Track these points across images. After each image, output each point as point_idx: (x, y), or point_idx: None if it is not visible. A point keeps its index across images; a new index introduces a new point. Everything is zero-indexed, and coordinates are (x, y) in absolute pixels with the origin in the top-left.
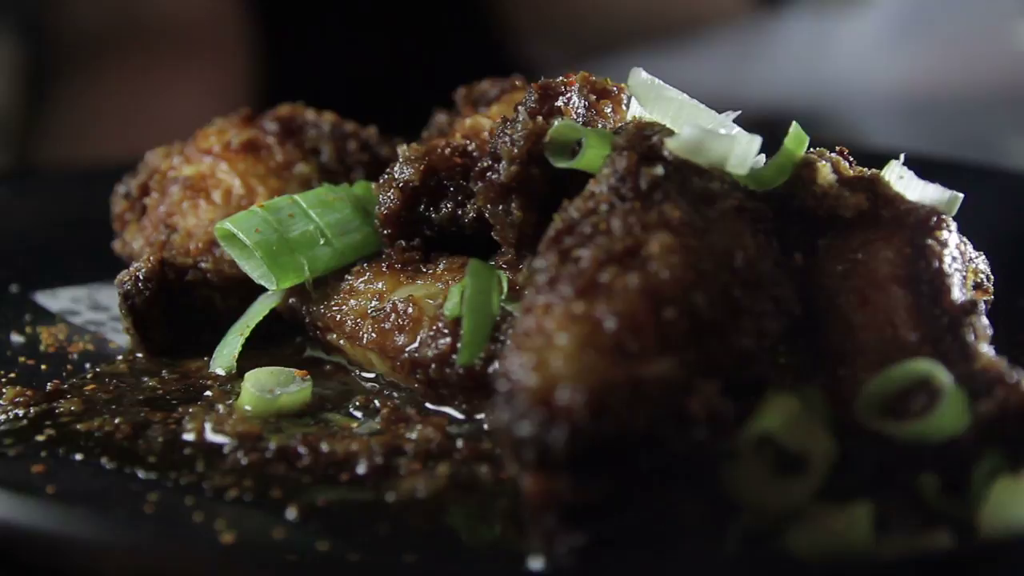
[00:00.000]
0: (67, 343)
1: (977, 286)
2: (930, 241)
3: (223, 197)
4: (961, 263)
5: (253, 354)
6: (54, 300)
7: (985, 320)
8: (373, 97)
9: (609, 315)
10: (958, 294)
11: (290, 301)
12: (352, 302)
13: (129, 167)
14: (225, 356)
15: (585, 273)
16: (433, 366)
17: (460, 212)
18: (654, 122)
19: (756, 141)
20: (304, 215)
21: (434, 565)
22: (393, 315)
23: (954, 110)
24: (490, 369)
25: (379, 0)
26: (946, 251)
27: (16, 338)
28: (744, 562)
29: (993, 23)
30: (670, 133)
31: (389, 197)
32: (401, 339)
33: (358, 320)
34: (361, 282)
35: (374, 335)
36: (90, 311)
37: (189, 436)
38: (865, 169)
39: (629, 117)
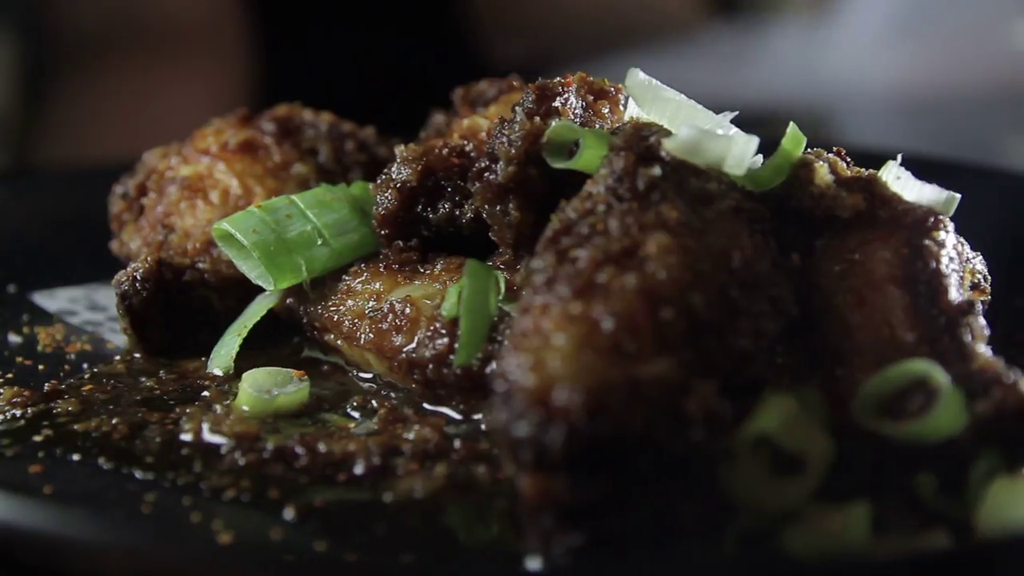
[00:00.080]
0: (65, 343)
1: (974, 286)
2: (927, 241)
3: (221, 197)
4: (958, 263)
5: (251, 354)
6: (52, 300)
7: (982, 320)
8: (371, 97)
9: (606, 315)
10: (955, 294)
11: (288, 301)
12: (350, 302)
13: (127, 167)
14: (223, 356)
15: (582, 273)
16: (431, 366)
17: (458, 212)
18: (651, 123)
19: (753, 141)
20: (302, 215)
21: (432, 565)
22: (391, 315)
23: (952, 110)
24: (488, 369)
25: (376, 1)
26: (943, 251)
27: (14, 338)
28: (741, 562)
29: (991, 23)
30: (667, 134)
31: (387, 197)
32: (399, 339)
33: (356, 320)
34: (359, 282)
35: (372, 335)
36: (88, 311)
37: (187, 436)
38: (862, 169)
39: (627, 118)
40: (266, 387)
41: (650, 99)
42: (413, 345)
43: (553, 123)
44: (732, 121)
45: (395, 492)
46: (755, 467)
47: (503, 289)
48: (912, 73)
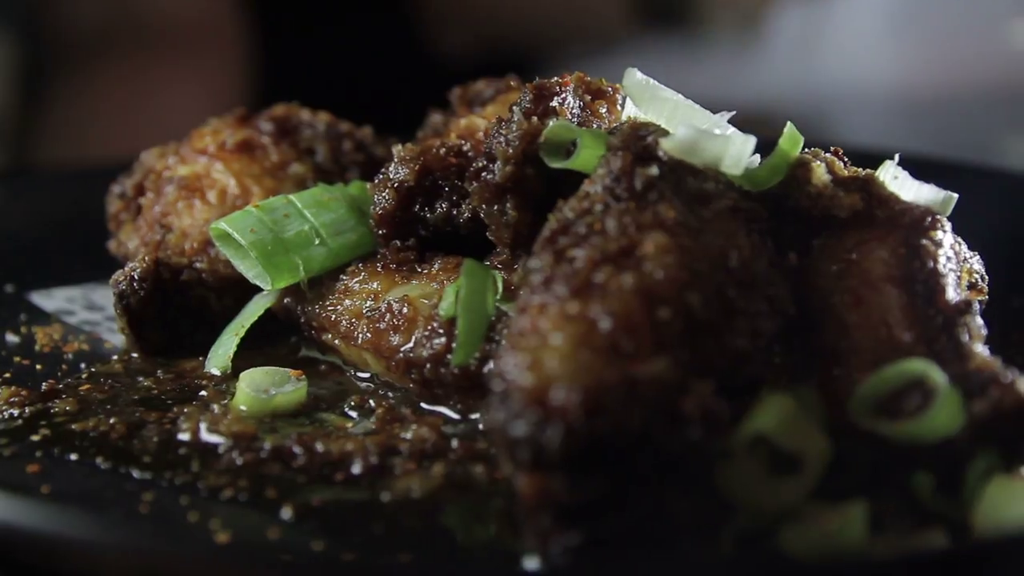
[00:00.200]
0: (62, 343)
1: (971, 286)
2: (925, 241)
3: (218, 197)
4: (956, 263)
5: (248, 354)
6: (49, 300)
7: (979, 320)
8: (368, 97)
9: (604, 315)
10: (952, 294)
11: (285, 301)
12: (347, 302)
13: (124, 167)
14: (220, 356)
15: (580, 273)
16: (428, 366)
17: (455, 212)
18: (649, 122)
19: (751, 141)
20: (299, 215)
21: (429, 565)
22: (388, 315)
23: (949, 110)
24: (485, 369)
25: (374, 1)
26: (941, 251)
27: (11, 338)
28: (739, 562)
29: (988, 22)
30: (665, 133)
31: (384, 197)
32: (396, 339)
33: (353, 320)
34: (356, 282)
35: (369, 335)
36: (85, 311)
37: (184, 436)
38: (860, 169)
39: (624, 117)
40: (264, 387)
41: (647, 99)
42: (411, 345)
43: (550, 123)
44: (729, 121)
45: (393, 491)
46: (752, 467)
47: (500, 289)
48: (909, 73)
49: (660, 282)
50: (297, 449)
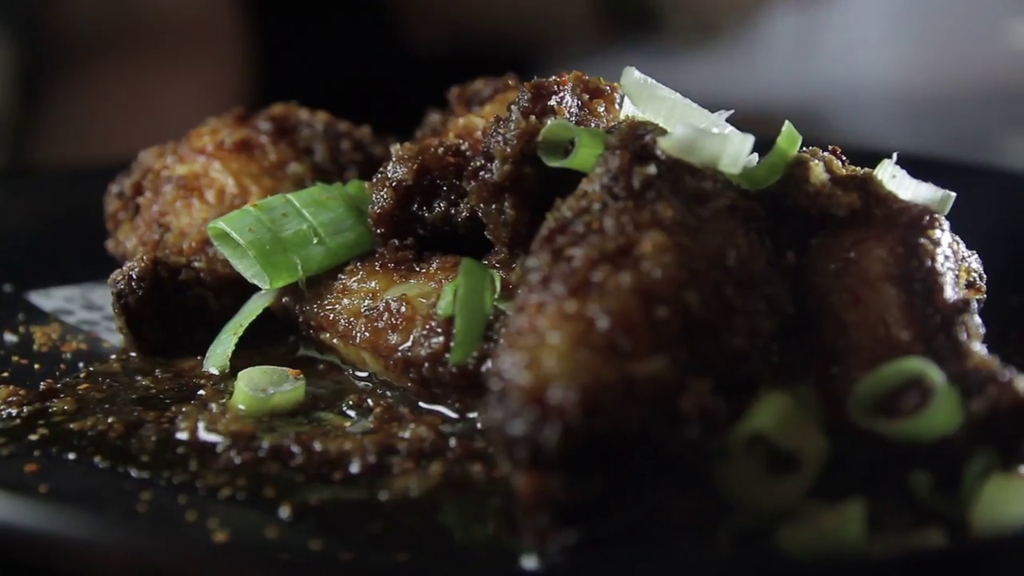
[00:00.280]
0: (60, 342)
1: (970, 285)
2: (923, 240)
3: (216, 196)
4: (954, 262)
5: (246, 353)
6: (47, 299)
7: (978, 319)
8: (367, 96)
9: (602, 314)
10: (951, 293)
11: (283, 300)
12: (345, 301)
13: (123, 166)
14: (218, 355)
15: (578, 272)
16: (426, 365)
17: (453, 211)
18: (647, 121)
19: (749, 140)
20: (297, 214)
21: (427, 564)
22: (386, 314)
23: (947, 109)
24: (483, 368)
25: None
26: (939, 250)
27: (9, 337)
28: (736, 561)
29: (986, 22)
30: (663, 132)
31: (382, 196)
32: (394, 338)
33: (351, 319)
34: (354, 281)
35: (367, 334)
36: (83, 310)
37: (182, 435)
38: (858, 168)
39: (622, 116)
40: (262, 386)
41: (645, 98)
42: (409, 344)
43: (548, 122)
44: (727, 120)
45: (391, 491)
46: (750, 465)
47: (498, 288)
48: (907, 72)
49: (658, 281)
50: (295, 448)
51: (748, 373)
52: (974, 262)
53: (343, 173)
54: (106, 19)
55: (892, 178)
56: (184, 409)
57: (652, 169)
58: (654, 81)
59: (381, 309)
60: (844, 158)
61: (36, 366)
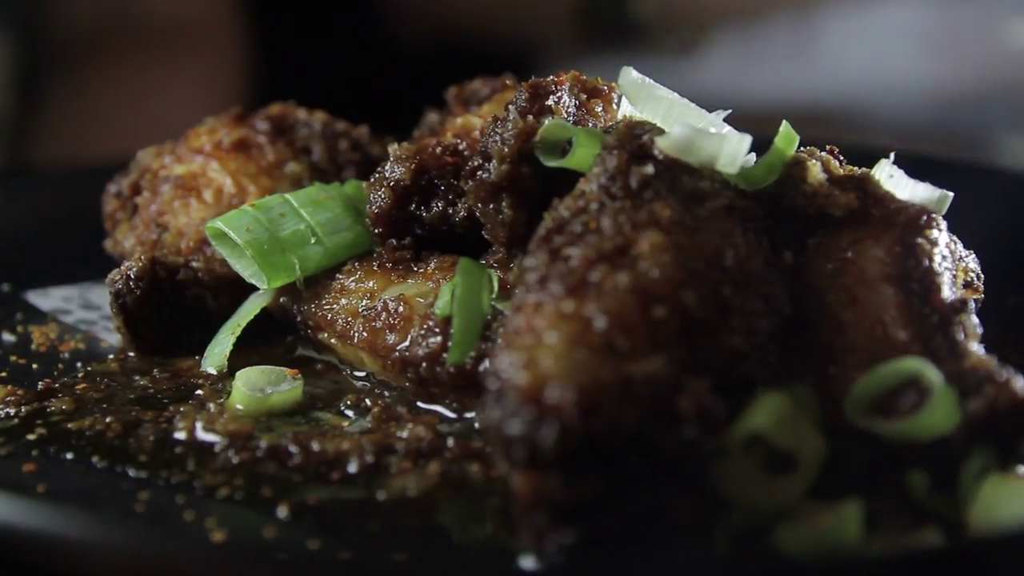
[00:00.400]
0: (58, 342)
1: (967, 284)
2: (920, 240)
3: (214, 196)
4: (951, 262)
5: (244, 353)
6: (45, 299)
7: (975, 318)
8: (364, 96)
9: (599, 314)
10: (948, 292)
11: (281, 300)
12: (343, 301)
13: (121, 166)
14: (216, 355)
15: (575, 272)
16: (424, 365)
17: (451, 211)
18: (644, 121)
19: (746, 140)
20: (295, 214)
21: (425, 563)
22: (384, 314)
23: (945, 108)
24: (481, 367)
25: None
26: (936, 250)
27: (7, 337)
28: (734, 561)
29: (984, 21)
30: (660, 132)
31: (380, 196)
32: (392, 338)
33: (349, 319)
34: (352, 281)
35: (365, 334)
36: (81, 310)
37: (180, 435)
38: (855, 168)
39: (620, 116)
40: (260, 385)
41: (643, 97)
42: (406, 343)
43: (546, 121)
44: (725, 119)
45: (388, 490)
46: (748, 465)
47: (496, 287)
48: (905, 72)
49: (655, 281)
50: (293, 448)
51: (746, 373)
52: (972, 262)
53: (341, 173)
54: (104, 19)
55: (890, 178)
56: (182, 409)
57: (650, 169)
58: (651, 81)
59: (379, 309)
60: (842, 158)
61: (34, 366)
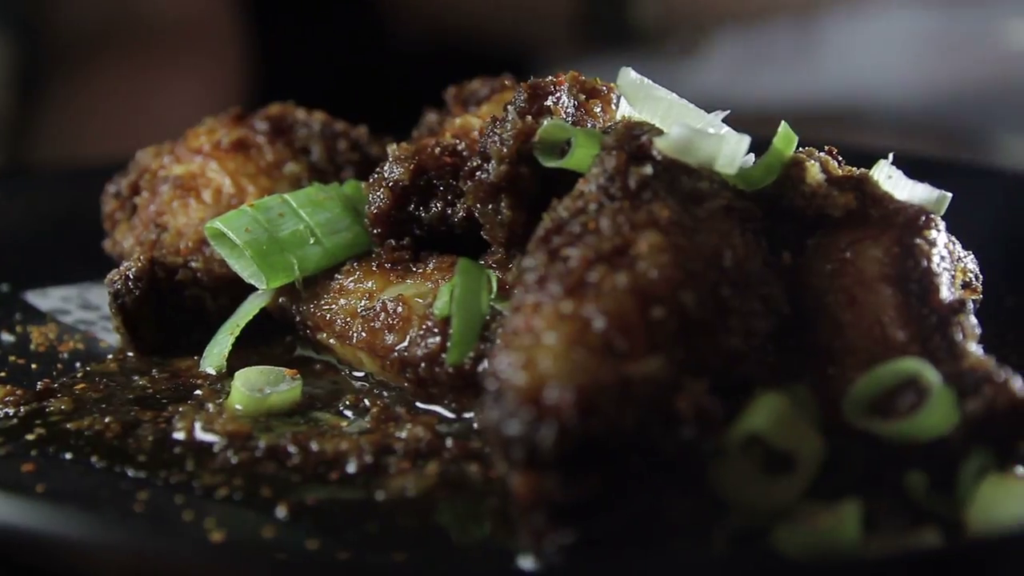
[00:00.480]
0: (57, 342)
1: (965, 285)
2: (918, 240)
3: (213, 196)
4: (950, 262)
5: (243, 353)
6: (44, 299)
7: (973, 319)
8: (363, 96)
9: (598, 314)
10: (946, 293)
11: (280, 300)
12: (342, 301)
13: (120, 166)
14: (215, 355)
15: (574, 272)
16: (423, 365)
17: (450, 211)
18: (643, 122)
19: (745, 140)
20: (294, 214)
21: (424, 564)
22: (383, 314)
23: (945, 109)
24: (479, 368)
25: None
26: (934, 250)
27: (6, 337)
28: (732, 561)
29: (983, 21)
30: (659, 133)
31: (379, 196)
32: (391, 338)
33: (348, 319)
34: (351, 281)
35: (364, 334)
36: (80, 310)
37: (179, 435)
38: (854, 168)
39: (618, 117)
40: (259, 386)
41: (642, 98)
42: (405, 344)
43: (545, 122)
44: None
45: (387, 490)
46: (746, 466)
47: (495, 288)
48: (903, 72)
49: (654, 281)
50: (292, 448)
51: (744, 373)
52: (970, 262)
53: (340, 173)
54: (105, 19)
55: (888, 178)
56: (181, 409)
57: (648, 169)
58: (650, 81)
59: (378, 309)
60: (840, 158)
61: (33, 366)
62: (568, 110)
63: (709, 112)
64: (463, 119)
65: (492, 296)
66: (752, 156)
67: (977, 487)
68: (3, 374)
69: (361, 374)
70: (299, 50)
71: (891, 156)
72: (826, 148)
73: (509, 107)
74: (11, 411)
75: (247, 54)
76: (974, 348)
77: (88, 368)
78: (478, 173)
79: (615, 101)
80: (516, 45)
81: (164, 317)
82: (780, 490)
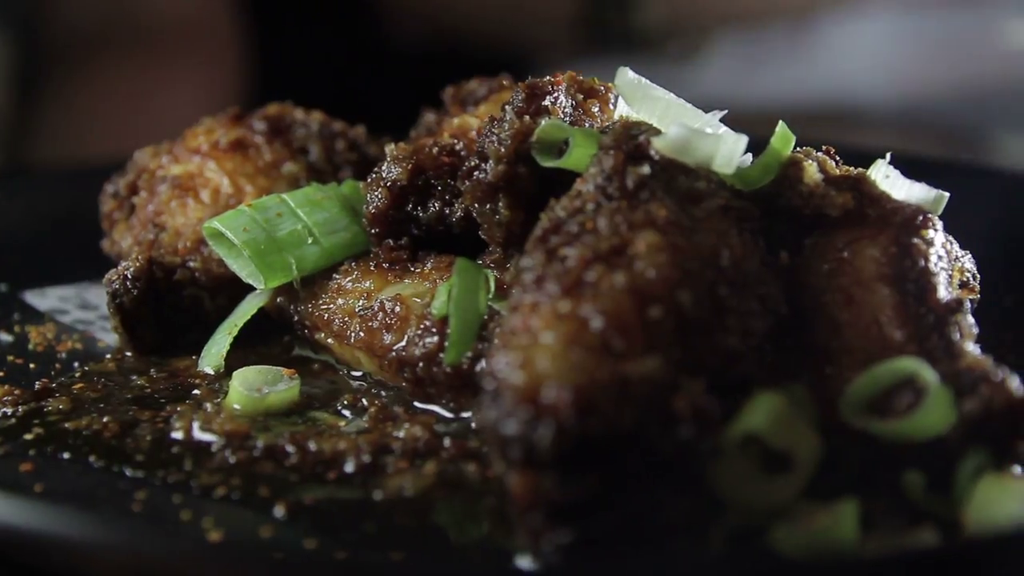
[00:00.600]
0: (55, 342)
1: (963, 285)
2: (916, 240)
3: (211, 196)
4: (947, 262)
5: (241, 353)
6: (43, 299)
7: (971, 319)
8: (362, 96)
9: (595, 314)
10: (944, 293)
11: (278, 300)
12: (340, 301)
13: (118, 166)
14: (213, 355)
15: (571, 272)
16: (420, 364)
17: (448, 211)
18: (641, 121)
19: (742, 140)
20: (292, 214)
21: (421, 563)
22: (381, 314)
23: (944, 108)
24: (477, 367)
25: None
26: (932, 250)
27: (5, 337)
28: (730, 560)
29: (982, 21)
30: (657, 132)
31: (377, 196)
32: (389, 338)
33: (346, 319)
34: (349, 281)
35: (362, 334)
36: (79, 310)
37: (177, 435)
38: (851, 168)
39: (616, 116)
40: (257, 385)
41: (640, 98)
42: (403, 343)
43: (543, 122)
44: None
45: (385, 490)
46: (743, 465)
47: (493, 287)
48: (902, 72)
49: (651, 281)
50: (290, 448)
51: (742, 373)
52: (967, 262)
53: (338, 173)
54: (104, 19)
55: (885, 178)
56: (179, 409)
57: (646, 169)
58: (648, 81)
59: (376, 309)
60: (838, 158)
61: (31, 365)
62: (566, 110)
63: (707, 112)
64: (461, 119)
65: (490, 296)
66: (750, 156)
67: (974, 486)
68: (1, 374)
69: (359, 374)
70: (297, 50)
71: (888, 156)
72: (824, 148)
73: (507, 107)
74: (9, 411)
75: (245, 54)
76: (971, 348)
77: (86, 368)
78: (476, 173)
79: (613, 101)
80: (516, 47)
81: (162, 317)
82: (777, 489)
